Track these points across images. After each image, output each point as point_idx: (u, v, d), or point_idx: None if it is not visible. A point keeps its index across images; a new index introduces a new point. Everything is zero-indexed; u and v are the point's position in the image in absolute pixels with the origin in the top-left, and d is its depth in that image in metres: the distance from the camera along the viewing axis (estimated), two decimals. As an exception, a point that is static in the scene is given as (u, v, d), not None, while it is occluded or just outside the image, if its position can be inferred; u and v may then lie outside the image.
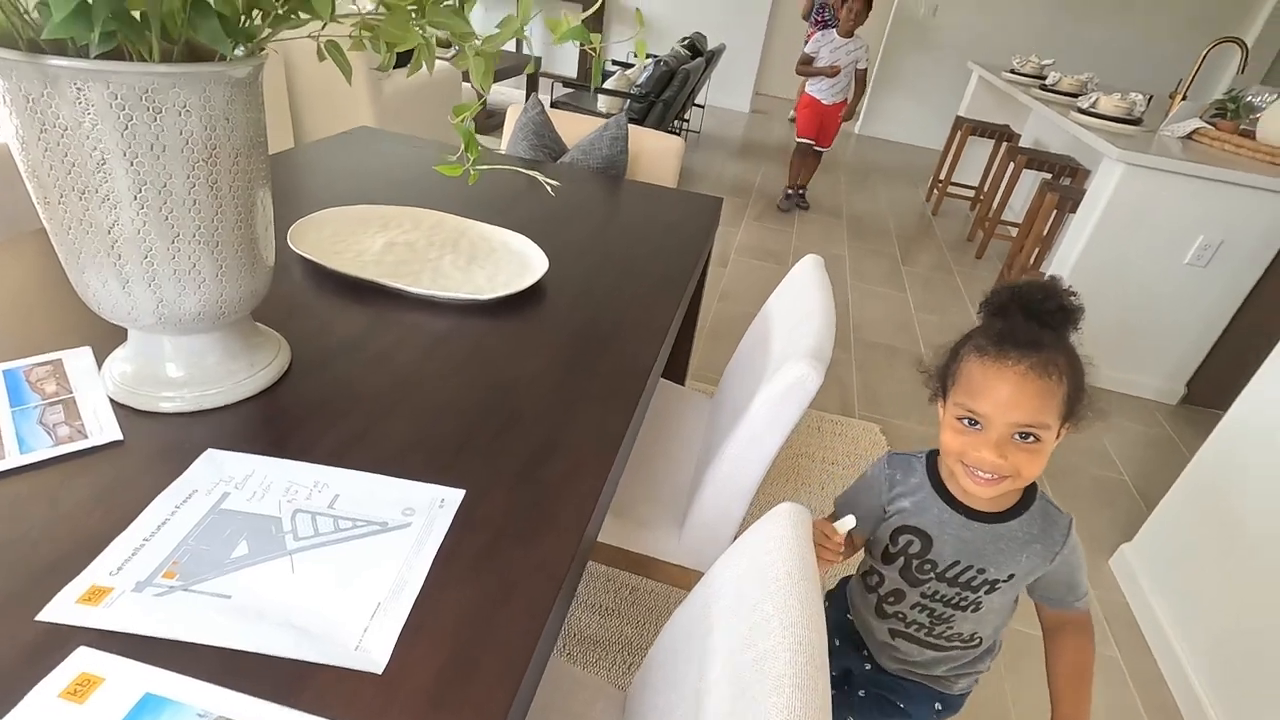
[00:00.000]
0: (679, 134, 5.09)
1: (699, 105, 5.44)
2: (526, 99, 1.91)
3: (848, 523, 0.77)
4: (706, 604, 0.67)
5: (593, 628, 1.39)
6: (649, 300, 1.11)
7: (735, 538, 1.06)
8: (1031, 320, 0.71)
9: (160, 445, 0.68)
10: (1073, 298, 0.72)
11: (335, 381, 0.80)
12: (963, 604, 0.82)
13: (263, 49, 0.63)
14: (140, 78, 0.54)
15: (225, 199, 0.64)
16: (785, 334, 1.06)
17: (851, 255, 3.59)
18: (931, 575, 0.82)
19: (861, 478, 0.90)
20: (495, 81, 4.93)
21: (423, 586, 0.57)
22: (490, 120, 4.58)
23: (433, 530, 0.62)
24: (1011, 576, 0.79)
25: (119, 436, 0.67)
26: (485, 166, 0.94)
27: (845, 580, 1.03)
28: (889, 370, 2.54)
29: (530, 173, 0.95)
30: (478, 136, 0.78)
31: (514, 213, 1.35)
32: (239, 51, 0.61)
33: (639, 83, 3.87)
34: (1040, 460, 0.71)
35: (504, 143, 1.90)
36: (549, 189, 1.11)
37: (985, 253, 3.83)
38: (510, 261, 1.13)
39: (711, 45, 5.04)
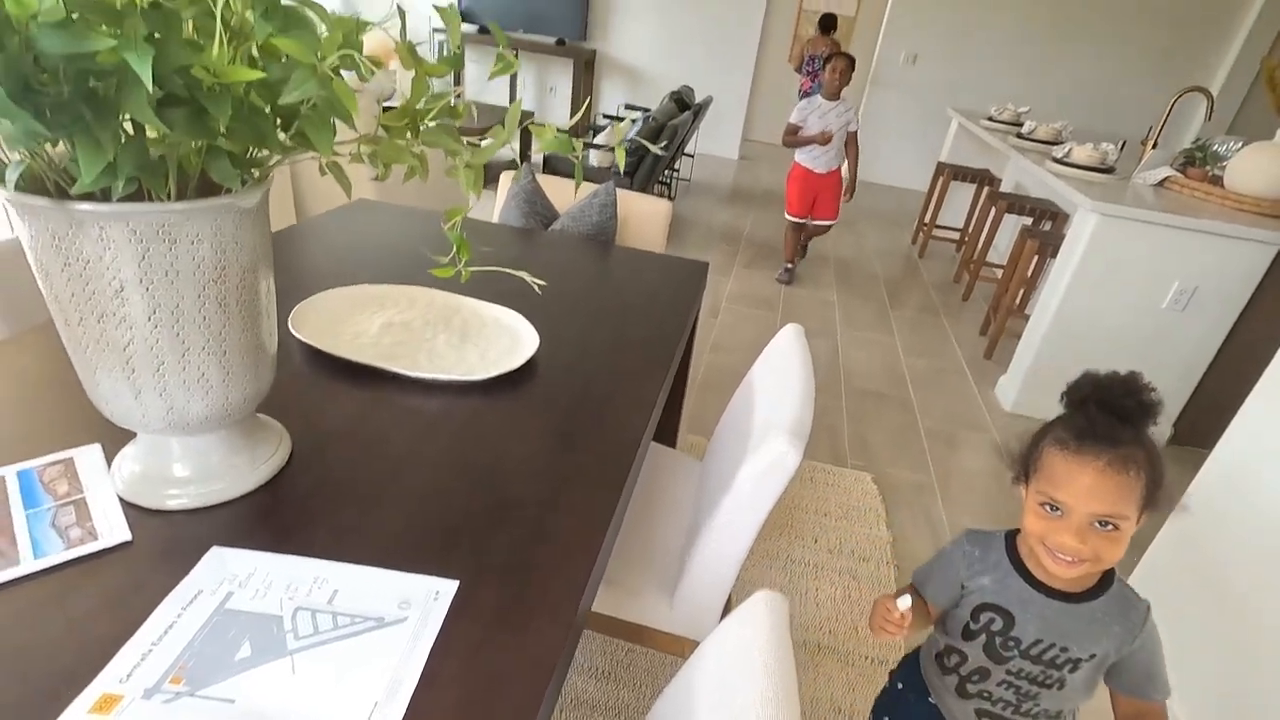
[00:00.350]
0: (669, 183, 5.22)
1: (689, 154, 5.59)
2: (520, 156, 1.98)
3: (905, 602, 0.83)
4: (692, 685, 0.70)
5: (589, 691, 1.40)
6: (637, 370, 1.15)
7: (725, 605, 1.08)
8: (1111, 415, 0.75)
9: (167, 543, 0.71)
10: (1152, 393, 0.76)
11: (332, 470, 0.84)
12: (1048, 681, 0.85)
13: (268, 177, 0.68)
14: (158, 215, 0.59)
15: (232, 312, 0.68)
16: (768, 405, 1.10)
17: (840, 300, 3.66)
18: (1015, 652, 0.85)
19: (940, 554, 0.94)
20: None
21: (418, 683, 0.60)
22: (490, 173, 4.70)
23: (428, 624, 0.65)
24: (1093, 656, 0.82)
25: (128, 537, 0.71)
26: (477, 269, 0.99)
27: (907, 661, 1.05)
28: (879, 417, 2.58)
29: (518, 274, 1.00)
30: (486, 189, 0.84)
31: (504, 284, 1.41)
32: (246, 180, 0.66)
33: (629, 136, 4.00)
34: (1120, 547, 0.75)
35: (496, 210, 1.97)
36: (536, 288, 1.16)
37: (971, 294, 3.91)
38: (501, 337, 1.17)
39: (699, 97, 5.21)
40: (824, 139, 3.41)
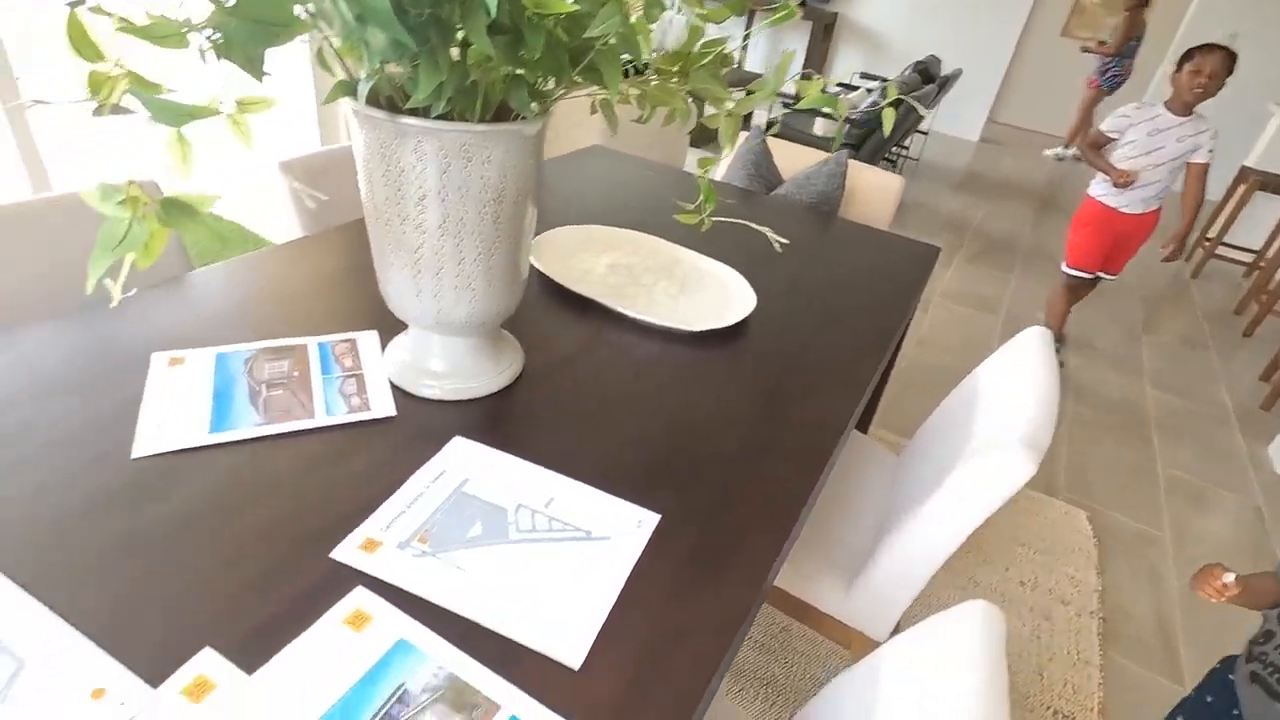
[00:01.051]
0: (897, 161, 4.87)
1: (922, 132, 5.16)
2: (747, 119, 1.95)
3: (1229, 578, 0.95)
4: (878, 677, 0.67)
5: (739, 659, 1.41)
6: (851, 349, 1.10)
7: (905, 611, 1.02)
8: None
9: (421, 425, 0.81)
10: None
11: (555, 391, 0.90)
12: None
13: (549, 110, 0.73)
14: (463, 134, 0.66)
15: (503, 231, 0.75)
16: (996, 411, 1.00)
17: (1081, 313, 3.22)
18: None
19: None
20: (715, 97, 5.06)
21: (616, 601, 0.63)
22: (711, 145, 4.71)
23: (630, 549, 0.69)
24: None
25: (394, 412, 0.82)
26: (719, 218, 0.99)
27: (1214, 675, 1.04)
28: (1106, 451, 2.26)
29: (761, 229, 0.99)
30: (695, 149, 0.84)
31: (725, 241, 1.41)
32: (534, 107, 0.72)
33: (861, 107, 3.78)
34: None
35: (721, 169, 1.97)
36: (777, 246, 1.14)
37: (1257, 331, 3.24)
38: (718, 294, 1.18)
39: (947, 69, 4.76)
40: (1122, 179, 2.26)
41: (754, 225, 1.05)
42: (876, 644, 1.07)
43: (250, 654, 0.54)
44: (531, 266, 1.16)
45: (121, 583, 0.58)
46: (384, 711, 0.52)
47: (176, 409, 0.77)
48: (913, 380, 2.46)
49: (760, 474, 0.82)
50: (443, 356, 0.86)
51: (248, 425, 0.76)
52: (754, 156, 1.91)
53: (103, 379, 0.80)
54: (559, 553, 0.67)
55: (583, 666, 0.57)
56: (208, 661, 0.53)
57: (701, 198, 0.83)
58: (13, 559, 0.59)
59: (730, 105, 0.77)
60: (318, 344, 0.92)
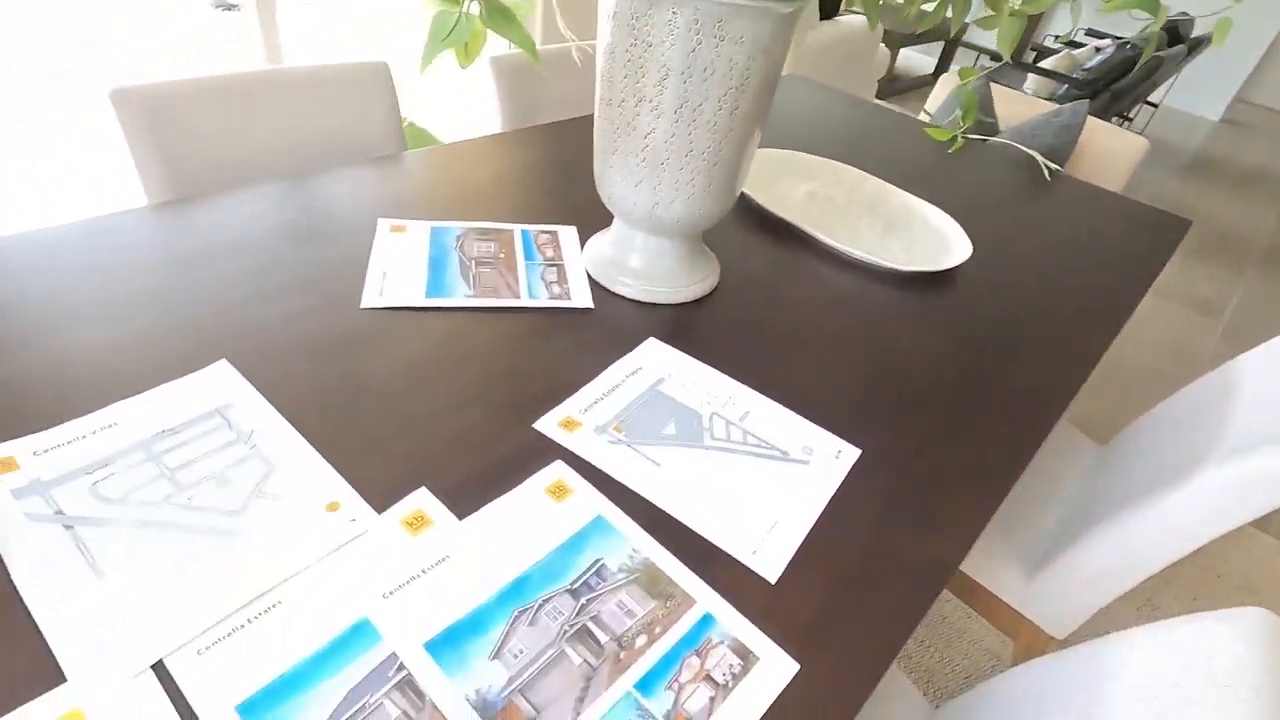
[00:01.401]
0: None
1: (1151, 103, 4.48)
2: (937, 68, 1.75)
3: None
4: (1097, 682, 0.59)
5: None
6: (1075, 320, 0.97)
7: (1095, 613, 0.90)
8: None
9: (617, 321, 0.80)
10: None
11: (749, 310, 0.86)
12: None
13: (813, -9, 0.66)
14: (719, 6, 0.61)
15: (736, 126, 0.70)
16: (1259, 410, 0.84)
17: (1326, 332, 2.71)
18: None
19: None
20: (905, 46, 4.66)
21: (814, 526, 0.60)
22: (893, 85, 4.36)
23: (829, 477, 0.64)
24: None
25: (591, 305, 0.81)
26: (977, 137, 0.89)
27: None
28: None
29: (1030, 151, 0.87)
30: (882, 103, 0.74)
31: (933, 185, 1.28)
32: (794, -9, 0.65)
33: (1086, 66, 3.32)
34: None
35: (934, 102, 1.79)
36: (1045, 172, 1.01)
37: None
38: (928, 237, 1.07)
39: (1198, 31, 4.07)
40: None
41: (1025, 149, 0.93)
42: (1049, 639, 0.97)
43: (459, 502, 0.56)
44: (728, 184, 1.11)
45: (350, 416, 0.62)
46: (583, 580, 0.52)
47: (398, 271, 0.80)
48: (1109, 374, 2.19)
49: (967, 435, 0.73)
50: (643, 256, 0.84)
51: (459, 295, 0.79)
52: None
53: (336, 235, 0.86)
54: (754, 467, 0.64)
55: (779, 582, 0.54)
56: (424, 499, 0.56)
57: (959, 110, 0.73)
58: (263, 378, 0.64)
59: (1017, 4, 0.66)
60: (521, 231, 0.93)
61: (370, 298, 0.76)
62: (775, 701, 0.47)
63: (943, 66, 4.74)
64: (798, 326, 0.85)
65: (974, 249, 1.04)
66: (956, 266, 0.99)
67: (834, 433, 0.69)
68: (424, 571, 0.50)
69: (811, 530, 0.59)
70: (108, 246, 0.77)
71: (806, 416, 0.71)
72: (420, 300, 0.77)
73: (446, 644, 0.46)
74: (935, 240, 1.07)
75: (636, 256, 0.84)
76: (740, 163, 0.75)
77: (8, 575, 0.46)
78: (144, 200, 1.00)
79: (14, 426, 0.55)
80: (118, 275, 0.73)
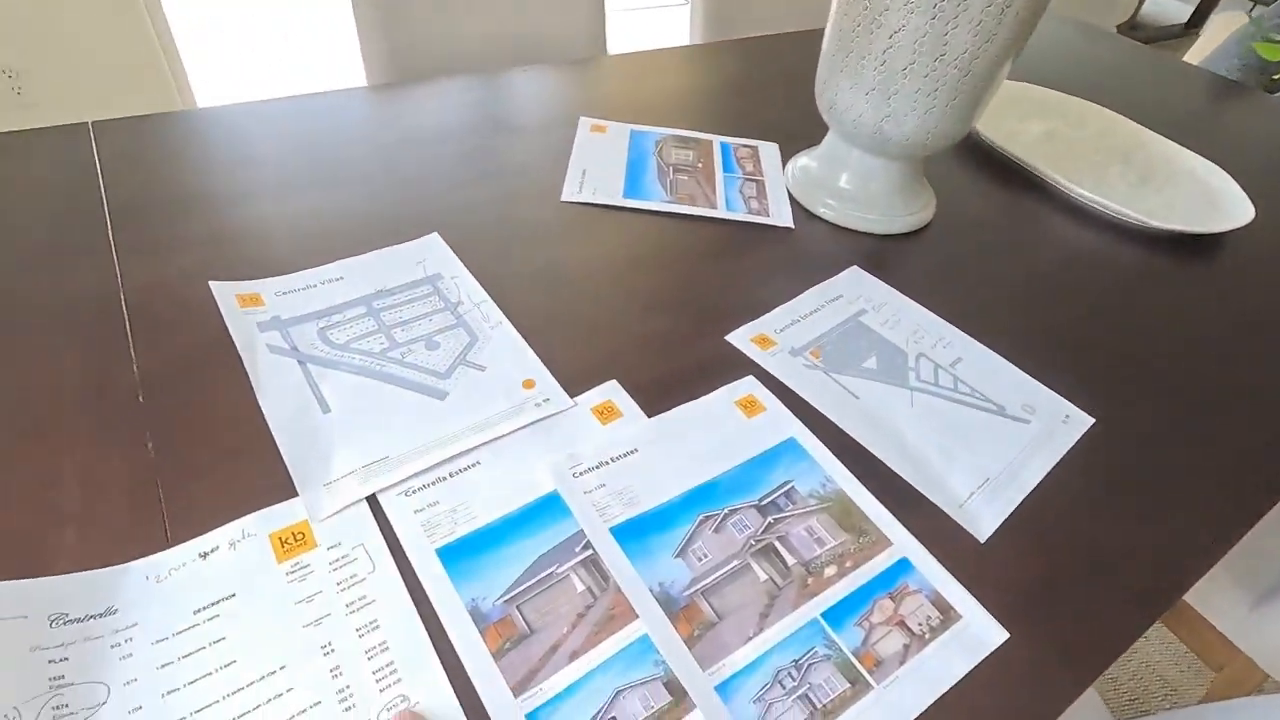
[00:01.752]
0: None
1: None
2: (1192, 19, 1.44)
3: None
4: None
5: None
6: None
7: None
8: None
9: (818, 244, 0.75)
10: None
11: (967, 254, 0.77)
12: None
13: None
14: (1021, -127, 0.52)
15: (1001, 35, 0.61)
16: None
17: None
18: None
19: None
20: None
21: (1034, 490, 0.52)
22: (1134, 32, 3.74)
23: (1053, 441, 0.56)
24: None
25: (791, 225, 0.76)
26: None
27: None
28: None
29: None
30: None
31: (1206, 137, 1.07)
32: None
33: None
34: None
35: (1198, 54, 1.50)
36: None
37: None
38: (1194, 194, 0.90)
39: None
40: None
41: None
42: (1264, 677, 0.83)
43: (649, 400, 0.55)
44: (951, 114, 0.99)
45: (548, 302, 0.62)
46: (771, 499, 0.49)
47: (597, 169, 0.79)
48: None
49: (1225, 430, 0.61)
50: (856, 178, 0.76)
51: (656, 200, 0.76)
52: (1249, 45, 1.42)
53: (540, 129, 0.86)
54: (964, 417, 0.57)
55: (988, 542, 0.49)
56: (614, 392, 0.55)
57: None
58: (469, 255, 0.65)
59: None
60: (720, 142, 0.88)
61: (570, 191, 0.75)
62: (978, 666, 0.42)
63: (1200, 17, 4.00)
64: (1023, 277, 0.75)
65: (1257, 215, 0.86)
66: (1230, 231, 0.83)
67: (1065, 396, 0.61)
68: (612, 460, 0.50)
69: (1030, 495, 0.52)
70: (335, 120, 0.82)
71: (1031, 373, 0.62)
72: (618, 200, 0.75)
73: (632, 533, 0.45)
74: (1202, 198, 0.90)
75: (848, 177, 0.77)
76: (994, 79, 0.65)
77: (255, 395, 0.50)
78: (364, 81, 1.06)
79: (258, 268, 0.60)
80: (344, 147, 0.77)
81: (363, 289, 0.60)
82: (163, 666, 0.36)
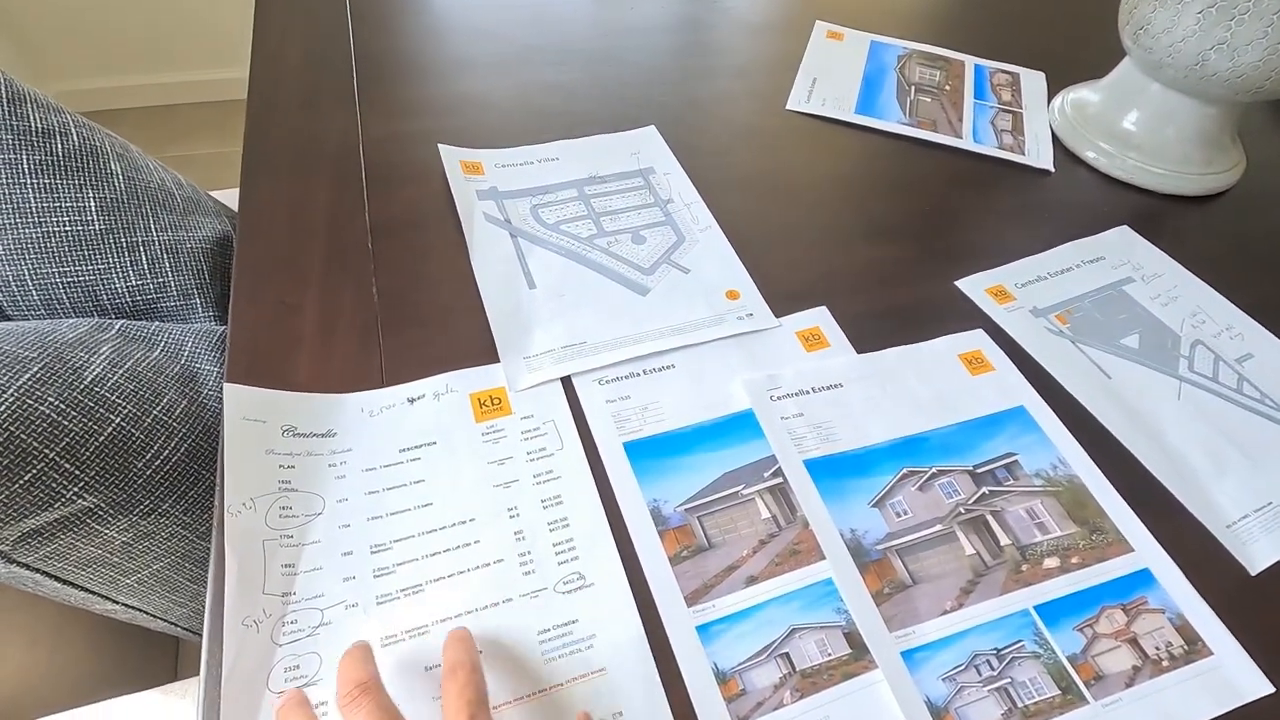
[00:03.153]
0: None
1: None
2: None
3: None
4: None
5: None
6: None
7: None
8: None
9: (1081, 195, 0.63)
10: None
11: (1276, 231, 0.62)
12: None
13: None
14: None
15: None
16: None
17: None
18: None
19: None
20: None
21: (1334, 528, 0.42)
22: None
23: (1371, 476, 0.45)
24: None
25: (1050, 168, 0.65)
26: None
27: None
28: None
29: None
30: None
31: None
32: None
33: None
34: None
35: None
36: None
37: None
38: None
39: None
40: None
41: None
42: None
43: (860, 334, 0.49)
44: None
45: (763, 213, 0.58)
46: (989, 468, 0.43)
47: (829, 80, 0.72)
48: None
49: None
50: (1149, 119, 0.63)
51: (892, 120, 0.68)
52: None
53: (771, 30, 0.79)
54: (1246, 424, 0.47)
55: (1261, 575, 0.40)
56: (824, 319, 0.50)
57: None
58: (684, 152, 0.62)
59: None
60: (975, 65, 0.77)
61: (797, 100, 0.69)
62: (1228, 715, 0.35)
63: None
64: (1351, 270, 0.59)
65: None
66: None
67: (1389, 424, 0.48)
68: (814, 390, 0.46)
69: (1326, 534, 0.42)
70: (559, 5, 0.79)
71: (1345, 389, 0.50)
72: (848, 115, 0.68)
73: (827, 470, 0.42)
74: None
75: (1139, 117, 0.64)
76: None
77: (469, 259, 0.51)
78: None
79: (481, 138, 0.61)
80: (572, 26, 0.75)
81: (576, 172, 0.59)
82: (369, 493, 0.38)
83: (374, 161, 0.58)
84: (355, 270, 0.49)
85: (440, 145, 0.58)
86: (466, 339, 0.46)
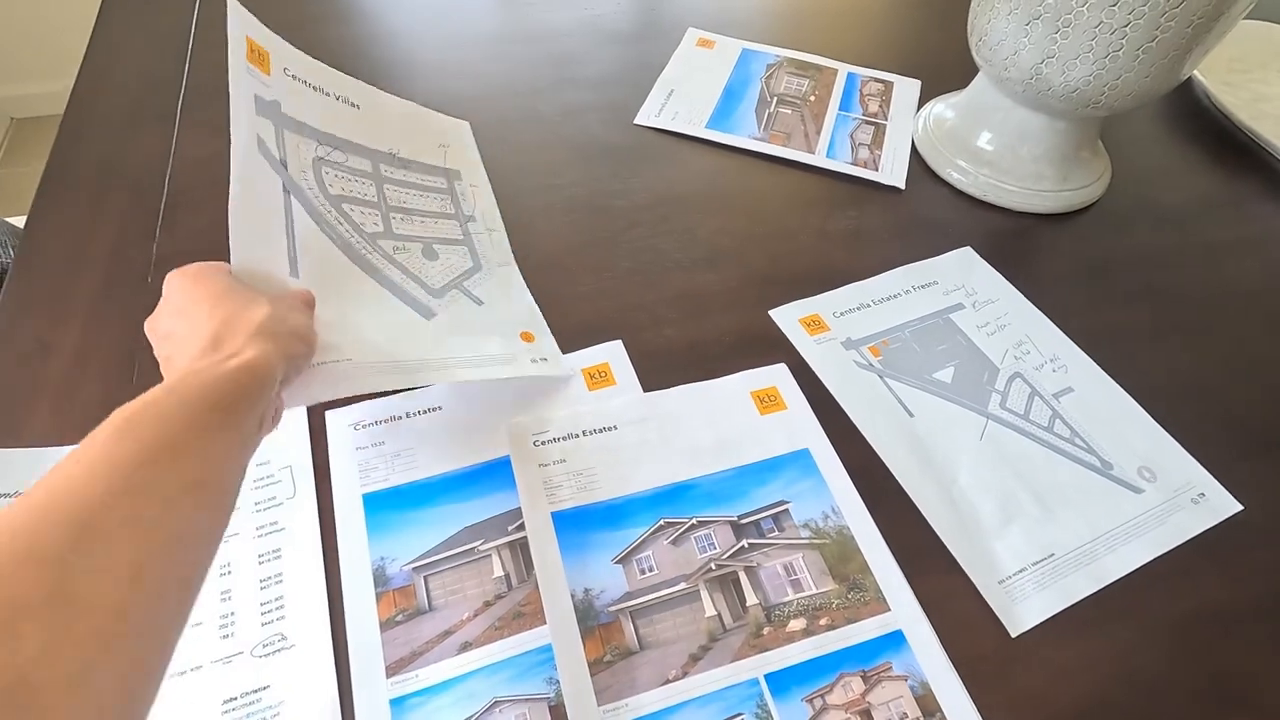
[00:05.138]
0: None
1: None
2: None
3: None
4: None
5: None
6: None
7: None
8: None
9: (928, 215, 0.61)
10: None
11: (1138, 252, 0.59)
12: None
13: None
14: None
15: (1247, -60, 0.42)
16: None
17: None
18: None
19: None
20: None
21: (1117, 582, 0.40)
22: None
23: (1170, 522, 0.42)
24: None
25: (901, 185, 0.62)
26: None
27: None
28: None
29: None
30: None
31: None
32: None
33: None
34: None
35: None
36: None
37: None
38: None
39: None
40: None
41: None
42: None
43: (653, 370, 0.47)
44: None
45: (576, 236, 0.55)
46: (754, 519, 0.41)
47: (686, 91, 0.69)
48: None
49: None
50: (1002, 136, 0.60)
51: (743, 134, 0.65)
52: None
53: (640, 36, 0.76)
54: (1050, 467, 0.44)
55: (1021, 638, 0.38)
56: (615, 355, 0.48)
57: None
58: (501, 163, 0.59)
59: None
60: (848, 73, 0.74)
61: (647, 114, 0.66)
62: (950, 796, 0.33)
63: None
64: (1205, 296, 0.56)
65: None
66: None
67: (1207, 467, 0.45)
68: (584, 433, 0.43)
69: (1108, 588, 0.39)
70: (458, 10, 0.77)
71: (1168, 428, 0.47)
72: (698, 130, 0.65)
73: (576, 522, 0.40)
74: None
75: (992, 136, 0.61)
76: (1219, 17, 0.47)
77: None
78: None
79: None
80: (462, 27, 0.72)
81: (375, 140, 0.49)
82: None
83: (180, 187, 0.56)
84: (125, 305, 0.47)
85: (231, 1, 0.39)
86: (223, 380, 0.44)
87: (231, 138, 0.37)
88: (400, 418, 0.43)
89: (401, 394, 0.44)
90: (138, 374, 0.44)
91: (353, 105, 0.49)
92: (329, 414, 0.43)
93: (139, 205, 0.54)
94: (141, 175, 0.56)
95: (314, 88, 0.45)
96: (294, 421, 0.42)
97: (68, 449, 0.39)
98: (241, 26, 0.39)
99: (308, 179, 0.42)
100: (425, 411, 0.44)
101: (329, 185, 0.44)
